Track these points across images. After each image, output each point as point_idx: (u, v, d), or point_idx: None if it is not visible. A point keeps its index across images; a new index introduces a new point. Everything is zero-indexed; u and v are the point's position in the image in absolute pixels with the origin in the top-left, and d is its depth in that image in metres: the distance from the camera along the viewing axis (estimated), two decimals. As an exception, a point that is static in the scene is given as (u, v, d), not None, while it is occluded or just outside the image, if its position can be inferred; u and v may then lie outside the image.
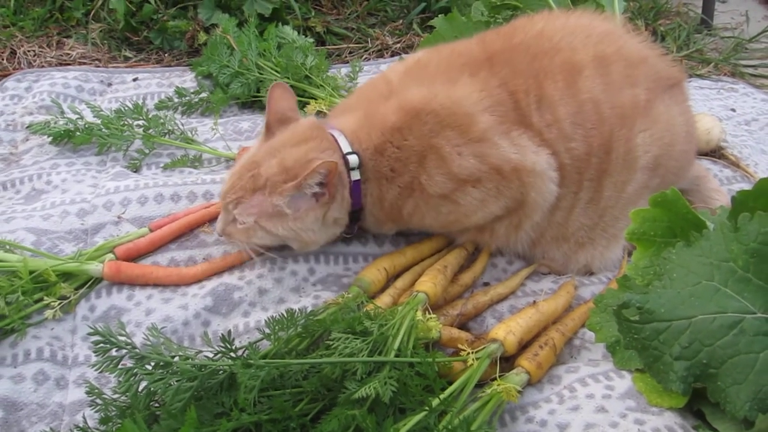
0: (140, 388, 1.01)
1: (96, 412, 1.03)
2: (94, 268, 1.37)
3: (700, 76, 2.48)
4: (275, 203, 1.31)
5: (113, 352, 1.00)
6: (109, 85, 2.17)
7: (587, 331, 1.27)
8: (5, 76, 2.11)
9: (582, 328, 1.31)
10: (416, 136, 1.33)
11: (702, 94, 2.34)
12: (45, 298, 1.31)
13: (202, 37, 2.30)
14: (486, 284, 1.46)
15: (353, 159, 1.35)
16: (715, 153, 1.93)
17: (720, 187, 1.70)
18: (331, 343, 1.07)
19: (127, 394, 0.99)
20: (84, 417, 1.08)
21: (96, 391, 1.04)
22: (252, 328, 1.31)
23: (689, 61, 2.58)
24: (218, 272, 1.43)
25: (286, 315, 1.13)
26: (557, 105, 1.35)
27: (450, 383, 1.10)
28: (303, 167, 1.28)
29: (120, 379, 1.01)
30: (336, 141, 1.36)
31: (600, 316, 1.20)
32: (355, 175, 1.36)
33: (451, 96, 1.34)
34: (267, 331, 1.11)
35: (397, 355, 1.08)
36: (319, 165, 1.25)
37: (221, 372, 1.00)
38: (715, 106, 2.25)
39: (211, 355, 1.06)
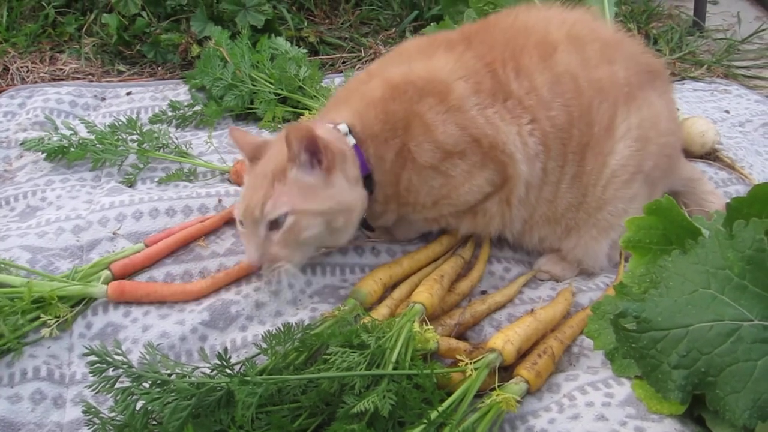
0: (137, 407, 1.01)
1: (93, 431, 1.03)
2: (98, 290, 1.37)
3: (693, 78, 2.49)
4: (291, 177, 1.29)
5: (110, 372, 0.99)
6: (103, 99, 2.17)
7: (586, 339, 1.27)
8: (-1, 92, 2.11)
9: (580, 336, 1.31)
10: (399, 103, 1.36)
11: (696, 96, 2.35)
12: (42, 315, 1.31)
13: (195, 49, 2.31)
14: (484, 293, 1.46)
15: (342, 127, 1.37)
16: (710, 155, 1.93)
17: (715, 189, 1.70)
18: (328, 357, 1.07)
19: (125, 413, 0.98)
20: (82, 437, 1.07)
21: (93, 410, 1.03)
22: (249, 342, 1.30)
23: (682, 63, 2.59)
24: (224, 286, 1.43)
25: (282, 329, 1.12)
26: (534, 74, 1.38)
27: (449, 394, 1.09)
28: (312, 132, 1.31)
29: (117, 398, 1.01)
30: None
31: (598, 324, 1.20)
32: (351, 140, 1.37)
33: (427, 67, 1.39)
34: (264, 345, 1.11)
35: (395, 368, 1.07)
36: (290, 133, 1.26)
37: (219, 389, 0.99)
38: (708, 108, 2.25)
39: (208, 370, 1.05)
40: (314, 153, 1.29)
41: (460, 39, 1.45)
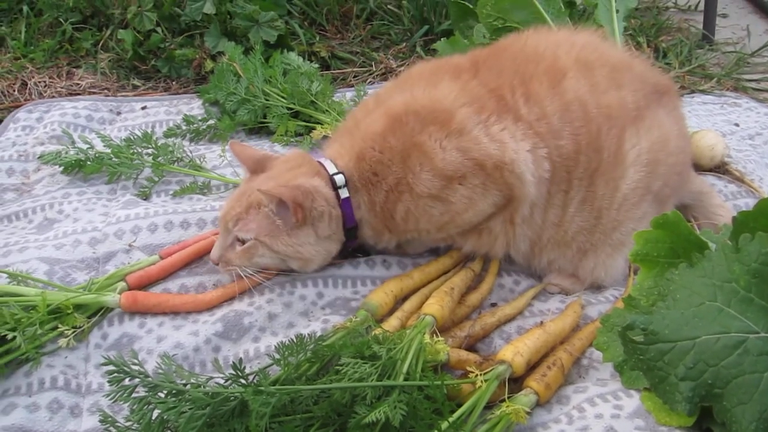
0: (153, 417, 1.03)
1: (111, 440, 1.05)
2: (111, 299, 1.39)
3: (703, 92, 2.49)
4: (265, 211, 1.38)
5: (126, 381, 1.01)
6: (119, 113, 2.21)
7: (595, 351, 1.28)
8: (17, 107, 2.15)
9: (589, 348, 1.31)
10: (398, 137, 1.38)
11: (705, 110, 2.36)
12: (59, 326, 1.33)
13: (209, 64, 2.34)
14: (493, 305, 1.47)
15: (339, 178, 1.41)
16: (720, 168, 1.94)
17: (724, 202, 1.71)
18: (340, 367, 1.09)
19: (141, 422, 1.00)
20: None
21: (109, 419, 1.06)
22: (262, 353, 1.32)
23: (692, 76, 2.60)
24: (232, 297, 1.45)
25: (295, 340, 1.14)
26: (544, 101, 1.38)
27: (459, 405, 1.11)
28: (302, 188, 1.37)
29: (134, 407, 1.03)
30: (323, 166, 1.44)
31: (607, 336, 1.21)
32: (344, 193, 1.42)
33: (431, 96, 1.40)
34: (277, 356, 1.12)
35: (405, 379, 1.09)
36: (267, 195, 1.36)
37: (233, 399, 1.01)
38: (718, 121, 2.26)
39: (222, 381, 1.07)
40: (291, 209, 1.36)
41: (468, 65, 1.46)
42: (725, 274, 0.97)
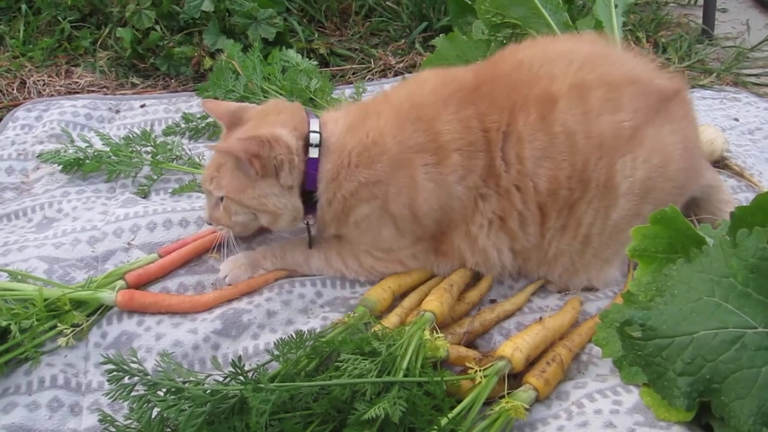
0: (153, 415, 1.03)
1: (111, 439, 1.06)
2: (108, 296, 1.39)
3: (702, 87, 2.49)
4: (229, 166, 1.40)
5: (126, 380, 1.02)
6: (117, 112, 2.21)
7: (594, 347, 1.28)
8: (16, 105, 2.15)
9: (589, 344, 1.32)
10: (398, 140, 1.37)
11: (705, 105, 2.35)
12: (58, 324, 1.34)
13: (208, 62, 2.34)
14: (493, 301, 1.47)
15: (314, 137, 1.39)
16: (719, 163, 1.94)
17: (732, 198, 1.68)
18: (340, 364, 1.09)
19: (141, 420, 1.00)
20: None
21: (109, 418, 1.06)
22: (261, 350, 1.33)
23: (691, 71, 2.59)
24: (230, 299, 1.45)
25: (294, 336, 1.14)
26: (524, 142, 1.34)
27: (459, 401, 1.11)
28: (255, 139, 1.35)
29: (133, 406, 1.03)
30: (307, 119, 1.43)
31: (606, 332, 1.21)
32: (313, 153, 1.39)
33: (430, 128, 1.37)
34: (276, 352, 1.13)
35: (405, 375, 1.09)
36: (220, 152, 1.40)
37: (232, 396, 1.01)
38: (718, 116, 2.26)
39: (221, 378, 1.08)
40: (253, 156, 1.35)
41: (472, 87, 1.41)
42: (723, 269, 0.97)
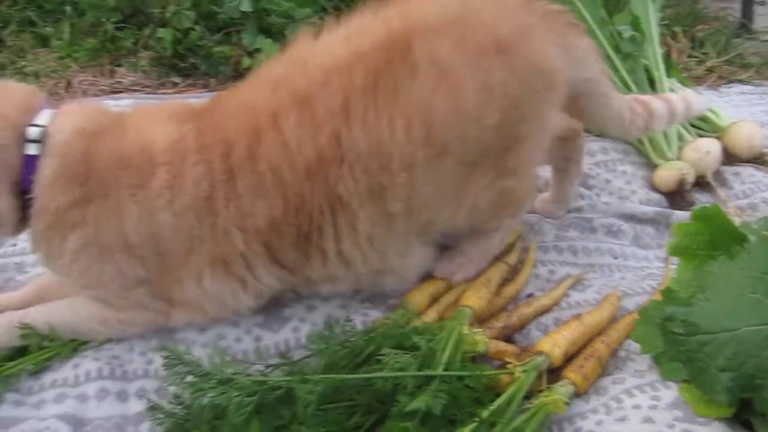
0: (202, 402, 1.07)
1: (158, 425, 1.11)
2: None
3: (741, 81, 2.47)
4: None
5: (179, 369, 1.07)
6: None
7: (632, 342, 1.28)
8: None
9: (627, 340, 1.32)
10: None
11: (743, 100, 2.33)
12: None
13: (246, 61, 2.39)
14: (530, 295, 1.48)
15: (33, 131, 1.19)
16: (758, 159, 1.93)
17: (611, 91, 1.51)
18: (381, 357, 1.12)
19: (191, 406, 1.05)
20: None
21: (156, 405, 1.12)
22: (303, 343, 1.35)
23: (729, 66, 2.57)
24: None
25: (337, 329, 1.18)
26: (237, 179, 1.22)
27: (497, 395, 1.13)
28: None
29: (179, 391, 1.09)
30: (36, 108, 1.23)
31: (645, 328, 1.21)
32: (31, 150, 1.19)
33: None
34: (322, 345, 1.16)
35: (445, 369, 1.11)
36: None
37: (279, 387, 1.05)
38: (757, 111, 2.24)
39: (263, 369, 1.12)
40: None
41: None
42: (764, 265, 0.98)
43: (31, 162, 1.19)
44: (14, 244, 1.62)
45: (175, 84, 2.42)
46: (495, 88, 1.21)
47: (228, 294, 1.31)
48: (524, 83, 1.24)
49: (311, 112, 1.19)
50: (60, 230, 1.21)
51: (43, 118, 1.22)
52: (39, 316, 1.33)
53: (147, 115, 1.29)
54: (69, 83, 2.36)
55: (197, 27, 2.49)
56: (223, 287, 1.29)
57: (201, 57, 2.46)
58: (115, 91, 2.35)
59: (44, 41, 2.54)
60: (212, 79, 2.44)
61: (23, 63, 2.41)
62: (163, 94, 2.34)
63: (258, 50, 2.38)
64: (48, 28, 2.57)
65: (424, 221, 1.31)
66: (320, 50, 1.25)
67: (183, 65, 2.49)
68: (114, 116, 1.30)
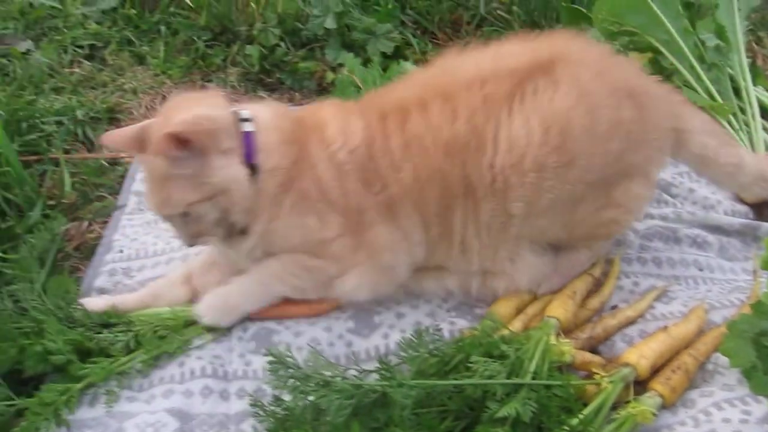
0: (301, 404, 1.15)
1: (260, 422, 1.19)
2: None
3: (832, 88, 2.38)
4: (174, 173, 1.32)
5: (282, 372, 1.14)
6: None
7: (720, 356, 1.28)
8: (159, 120, 2.36)
9: (714, 353, 1.32)
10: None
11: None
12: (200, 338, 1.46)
13: (330, 76, 2.48)
14: (614, 307, 1.50)
15: (245, 113, 1.41)
16: None
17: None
18: (471, 365, 1.17)
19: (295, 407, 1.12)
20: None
21: (259, 403, 1.19)
22: (392, 349, 1.41)
23: (820, 72, 2.48)
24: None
25: (424, 335, 1.24)
26: (390, 137, 1.41)
27: (584, 405, 1.16)
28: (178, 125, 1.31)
29: (279, 393, 1.17)
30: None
31: (734, 342, 1.21)
32: (248, 127, 1.39)
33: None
34: (408, 351, 1.22)
35: (533, 378, 1.15)
36: (157, 145, 1.30)
37: (375, 391, 1.11)
38: None
39: (356, 373, 1.18)
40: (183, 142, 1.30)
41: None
42: None
43: (249, 137, 1.38)
44: (121, 251, 1.75)
45: (262, 98, 2.53)
46: (623, 124, 1.37)
47: (397, 246, 1.45)
48: (645, 131, 1.41)
49: (452, 105, 1.37)
50: (284, 187, 1.41)
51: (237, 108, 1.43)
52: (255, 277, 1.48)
53: (314, 106, 1.57)
54: (164, 98, 2.50)
55: (283, 43, 2.60)
56: (390, 237, 1.44)
57: (286, 72, 2.56)
58: (206, 106, 2.48)
59: (141, 59, 2.70)
60: (297, 94, 2.54)
61: (122, 80, 2.57)
62: (251, 108, 2.44)
63: (341, 65, 2.46)
64: (144, 47, 2.72)
65: (536, 231, 1.43)
66: (468, 63, 1.43)
67: (269, 80, 2.60)
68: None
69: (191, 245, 1.45)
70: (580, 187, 1.37)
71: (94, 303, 1.50)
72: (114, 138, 1.39)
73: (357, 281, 1.46)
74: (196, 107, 1.36)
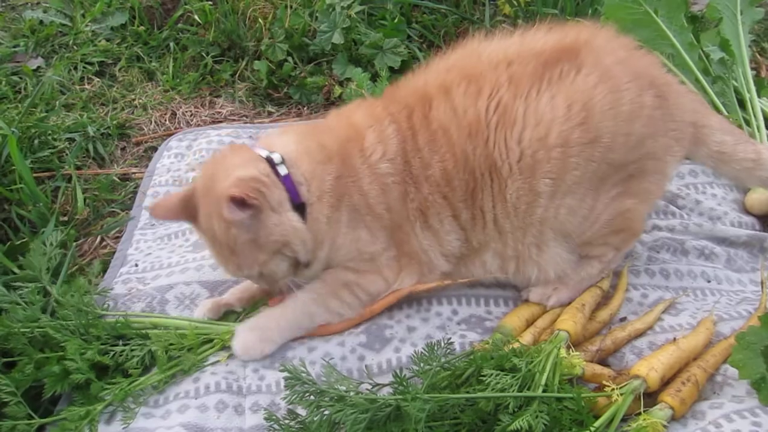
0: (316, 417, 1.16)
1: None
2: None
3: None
4: (240, 241, 1.38)
5: (299, 387, 1.16)
6: (257, 139, 2.40)
7: (729, 368, 1.30)
8: (169, 135, 2.39)
9: (723, 364, 1.34)
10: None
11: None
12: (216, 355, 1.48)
13: (337, 90, 2.50)
14: (623, 319, 1.51)
15: (276, 156, 1.44)
16: None
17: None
18: (483, 378, 1.18)
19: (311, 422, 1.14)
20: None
21: (274, 417, 1.21)
22: (404, 363, 1.42)
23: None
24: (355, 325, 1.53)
25: (436, 349, 1.24)
26: (418, 135, 1.46)
27: (595, 417, 1.17)
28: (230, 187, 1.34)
29: (291, 407, 1.18)
30: (254, 150, 1.48)
31: (743, 353, 1.23)
32: (282, 170, 1.43)
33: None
34: (420, 365, 1.23)
35: (544, 391, 1.17)
36: (222, 213, 1.33)
37: (389, 405, 1.13)
38: None
39: (369, 387, 1.20)
40: (241, 204, 1.33)
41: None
42: None
43: (288, 180, 1.42)
44: (136, 265, 1.78)
45: (270, 113, 2.56)
46: (645, 108, 1.40)
47: (430, 247, 1.52)
48: (665, 119, 1.44)
49: (478, 85, 1.42)
50: (335, 207, 1.45)
51: (264, 151, 1.46)
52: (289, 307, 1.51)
53: (340, 115, 1.59)
54: (174, 114, 2.54)
55: (290, 58, 2.63)
56: (425, 240, 1.51)
57: (294, 87, 2.59)
58: (214, 121, 2.51)
59: (150, 75, 2.73)
60: (305, 108, 2.57)
61: (132, 96, 2.60)
62: (260, 123, 2.47)
63: (348, 80, 2.49)
64: (154, 63, 2.76)
65: (560, 219, 1.45)
66: (494, 46, 1.49)
67: (277, 95, 2.63)
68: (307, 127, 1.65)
69: (274, 290, 1.53)
70: (603, 167, 1.39)
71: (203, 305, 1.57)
72: (161, 210, 1.47)
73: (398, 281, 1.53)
74: (234, 170, 1.39)
